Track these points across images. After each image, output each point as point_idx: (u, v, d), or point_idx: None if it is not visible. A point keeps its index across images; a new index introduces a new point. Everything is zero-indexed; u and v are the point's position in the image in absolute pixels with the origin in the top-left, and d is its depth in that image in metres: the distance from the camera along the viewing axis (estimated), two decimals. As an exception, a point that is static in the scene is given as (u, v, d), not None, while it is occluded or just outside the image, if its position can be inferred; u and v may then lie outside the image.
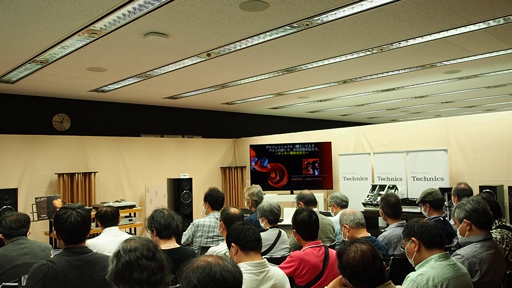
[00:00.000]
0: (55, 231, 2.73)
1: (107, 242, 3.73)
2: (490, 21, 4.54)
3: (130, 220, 7.52)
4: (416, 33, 4.88)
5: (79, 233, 2.64)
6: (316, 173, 8.36)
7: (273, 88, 8.26)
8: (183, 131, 10.61)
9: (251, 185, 6.38)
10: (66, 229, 2.62)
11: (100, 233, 4.04)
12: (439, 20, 4.45)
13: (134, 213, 7.80)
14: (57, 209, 6.71)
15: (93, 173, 8.07)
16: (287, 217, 6.14)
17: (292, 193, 8.26)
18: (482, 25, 4.66)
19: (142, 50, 5.19)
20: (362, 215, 3.62)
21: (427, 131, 7.04)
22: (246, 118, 12.09)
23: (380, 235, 3.86)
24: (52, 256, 2.98)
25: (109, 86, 7.37)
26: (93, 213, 6.13)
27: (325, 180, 8.26)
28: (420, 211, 4.48)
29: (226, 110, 11.24)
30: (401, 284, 2.41)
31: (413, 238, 2.58)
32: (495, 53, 5.96)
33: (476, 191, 5.40)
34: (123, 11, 3.90)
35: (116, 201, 7.76)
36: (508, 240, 3.21)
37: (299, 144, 8.55)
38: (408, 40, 5.18)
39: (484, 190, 5.55)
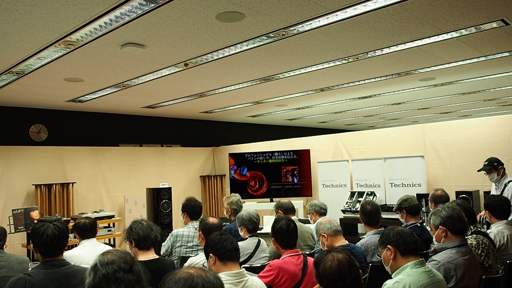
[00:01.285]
0: (32, 244, 2.70)
1: (84, 253, 3.69)
2: (462, 30, 4.66)
3: (109, 230, 7.42)
4: (390, 42, 4.97)
5: (56, 246, 2.62)
6: (295, 181, 8.40)
7: (252, 97, 8.29)
8: (162, 140, 10.54)
9: (230, 193, 6.38)
10: (43, 242, 2.59)
11: (77, 244, 3.99)
12: (412, 30, 4.55)
13: (113, 224, 7.71)
14: (35, 221, 6.61)
15: (71, 184, 7.95)
16: (267, 225, 6.14)
17: (271, 201, 8.27)
18: (454, 34, 4.78)
19: (119, 60, 5.16)
20: (337, 222, 3.65)
21: (404, 138, 7.15)
22: (225, 126, 12.09)
23: (358, 243, 3.89)
24: (29, 270, 2.94)
25: (86, 96, 7.29)
26: (71, 224, 6.03)
27: (304, 188, 8.31)
28: (398, 218, 4.54)
29: (205, 118, 11.22)
30: (379, 292, 2.44)
31: (389, 246, 2.61)
32: (468, 61, 6.10)
33: (452, 197, 5.51)
34: (100, 23, 3.87)
35: (95, 212, 7.66)
36: (483, 245, 3.27)
37: (278, 152, 8.58)
38: (383, 49, 5.27)
39: (460, 196, 5.66)
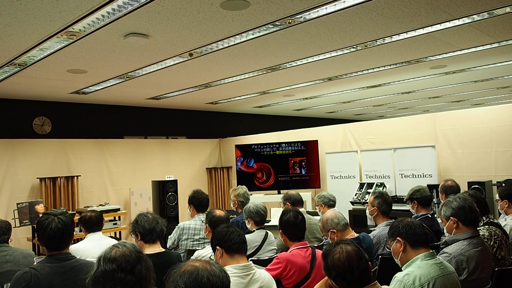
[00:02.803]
0: (37, 238, 2.73)
1: (90, 247, 3.72)
2: (474, 16, 4.60)
3: (114, 224, 7.48)
4: (400, 29, 4.92)
5: (61, 240, 2.64)
6: (303, 172, 8.39)
7: (258, 87, 8.27)
8: (167, 132, 10.56)
9: (237, 185, 6.39)
10: (47, 236, 2.62)
11: (83, 238, 4.02)
12: (422, 16, 4.50)
13: (119, 217, 7.76)
14: (40, 215, 6.68)
15: (75, 177, 8.00)
16: (274, 218, 6.16)
17: (279, 193, 8.28)
18: (466, 20, 4.72)
19: (123, 51, 5.16)
20: (343, 215, 3.62)
21: (414, 127, 7.11)
22: (231, 117, 12.08)
23: (370, 234, 3.89)
24: (35, 263, 2.97)
25: (90, 87, 7.31)
26: (76, 217, 6.08)
27: (312, 179, 8.30)
28: (408, 209, 4.53)
29: (210, 109, 11.22)
30: (388, 284, 2.44)
31: (398, 238, 2.61)
32: (481, 47, 6.03)
33: (464, 187, 5.47)
34: (102, 12, 3.87)
35: (100, 205, 7.71)
36: (496, 236, 3.25)
37: (285, 143, 8.57)
38: (393, 36, 5.23)
39: (472, 186, 5.62)
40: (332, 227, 3.51)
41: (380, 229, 3.86)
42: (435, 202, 5.54)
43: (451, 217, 2.98)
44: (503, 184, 4.58)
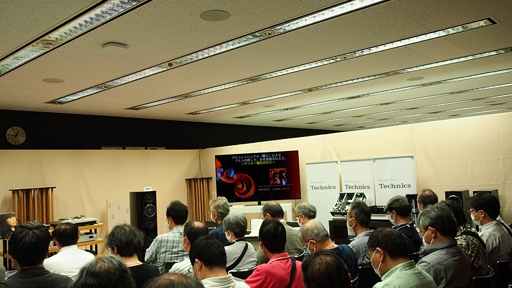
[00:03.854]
0: (8, 251, 2.67)
1: (64, 261, 3.65)
2: (449, 29, 4.72)
3: (90, 237, 7.34)
4: (378, 41, 5.02)
5: (33, 255, 2.58)
6: (284, 183, 8.41)
7: (238, 97, 8.29)
8: (146, 142, 10.48)
9: (217, 196, 6.36)
10: (19, 250, 2.56)
11: (57, 252, 3.94)
12: (399, 29, 4.59)
13: (95, 230, 7.63)
14: (12, 228, 6.52)
15: (50, 189, 7.85)
16: (254, 229, 6.14)
17: (259, 204, 8.25)
18: (441, 33, 4.84)
19: (101, 60, 5.12)
20: (323, 226, 3.62)
21: (393, 138, 7.21)
22: (211, 128, 12.07)
23: (349, 244, 3.90)
24: (6, 279, 2.89)
25: (66, 97, 7.21)
26: (50, 230, 5.96)
27: (293, 190, 8.32)
28: (388, 219, 4.57)
29: (190, 120, 11.18)
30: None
31: (377, 248, 2.63)
32: (456, 60, 6.18)
33: (442, 197, 5.56)
34: (80, 21, 3.84)
35: (76, 218, 7.57)
36: (473, 246, 3.30)
37: (265, 153, 8.59)
38: (371, 48, 5.32)
39: (450, 196, 5.71)
40: (311, 237, 3.49)
41: (359, 239, 3.89)
42: (414, 212, 5.61)
43: (429, 227, 3.02)
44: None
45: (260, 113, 10.71)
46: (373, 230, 3.86)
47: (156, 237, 4.34)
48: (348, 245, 3.84)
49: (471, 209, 4.07)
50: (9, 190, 7.45)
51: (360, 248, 3.79)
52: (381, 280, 2.57)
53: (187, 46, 4.77)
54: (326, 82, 7.34)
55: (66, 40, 4.31)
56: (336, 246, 3.58)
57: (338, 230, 6.47)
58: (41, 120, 8.59)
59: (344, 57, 5.66)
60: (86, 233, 7.38)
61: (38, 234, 2.61)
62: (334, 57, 5.64)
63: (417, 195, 5.18)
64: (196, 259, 2.66)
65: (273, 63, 5.79)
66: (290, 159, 8.40)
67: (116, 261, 2.00)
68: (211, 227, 5.01)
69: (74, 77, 5.87)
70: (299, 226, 5.19)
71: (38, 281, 2.51)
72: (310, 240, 3.50)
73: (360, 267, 3.59)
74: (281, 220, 4.49)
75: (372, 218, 4.26)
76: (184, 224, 4.32)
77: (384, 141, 7.30)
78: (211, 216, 5.27)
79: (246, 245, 3.97)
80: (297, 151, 8.35)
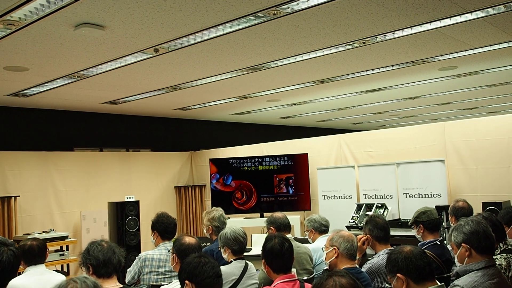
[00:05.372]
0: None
1: (29, 283, 3.67)
2: (488, 9, 4.71)
3: (61, 255, 7.37)
4: (404, 23, 5.01)
5: (10, 274, 2.61)
6: (291, 192, 8.41)
7: (237, 90, 8.31)
8: (127, 143, 10.49)
9: (212, 207, 6.36)
10: None
11: (22, 272, 3.95)
12: (430, 8, 4.59)
13: (67, 246, 7.64)
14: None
15: (13, 198, 7.88)
16: (256, 246, 6.14)
17: (262, 216, 8.27)
18: (480, 14, 4.83)
19: (73, 45, 5.13)
20: (357, 246, 3.64)
21: (421, 139, 7.20)
22: (205, 126, 12.07)
23: (367, 263, 3.91)
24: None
25: (32, 89, 7.23)
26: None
27: (301, 200, 8.32)
28: (414, 234, 4.57)
29: (180, 117, 11.19)
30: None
31: (398, 275, 2.63)
32: (497, 46, 6.17)
33: (478, 209, 5.55)
34: (48, -2, 3.86)
35: (44, 232, 7.59)
36: (514, 266, 3.31)
37: (269, 157, 8.59)
38: (395, 32, 5.31)
39: (487, 208, 5.71)
40: (337, 244, 3.54)
41: (379, 258, 3.88)
42: (445, 226, 5.61)
43: (462, 244, 3.02)
44: None
45: (263, 109, 10.71)
46: (394, 247, 3.87)
47: (139, 255, 4.34)
48: (366, 263, 3.84)
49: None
50: (-35, 199, 7.48)
51: (381, 268, 3.79)
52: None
53: (177, 29, 4.77)
54: (342, 73, 7.34)
55: (31, 20, 4.31)
56: (355, 265, 3.58)
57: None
58: (2, 116, 8.61)
59: (363, 43, 5.66)
60: (56, 251, 7.39)
61: (16, 252, 2.64)
62: (351, 43, 5.64)
63: (448, 206, 5.18)
64: (187, 281, 2.66)
65: (279, 50, 5.79)
66: (298, 164, 8.40)
67: (91, 282, 2.00)
68: (204, 244, 5.01)
69: (42, 64, 5.88)
70: (309, 243, 5.19)
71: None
72: (335, 247, 3.54)
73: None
74: (288, 236, 4.49)
75: (395, 233, 4.27)
76: (173, 240, 4.32)
77: (410, 142, 7.29)
78: (205, 231, 5.27)
79: (246, 264, 3.97)
80: (307, 154, 8.35)
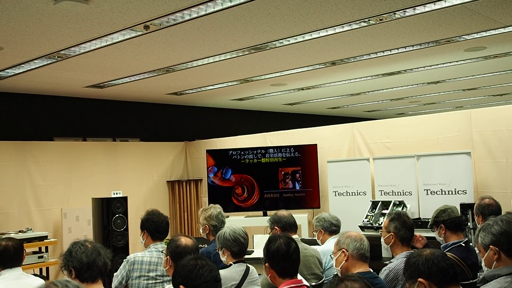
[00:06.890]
0: None
1: (4, 288, 3.69)
2: (522, -18, 4.71)
3: (40, 257, 7.39)
4: (426, -3, 5.01)
5: None
6: (298, 187, 8.41)
7: (238, 73, 8.30)
8: (114, 132, 10.50)
9: (209, 204, 6.38)
10: None
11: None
12: (455, -19, 4.58)
13: (46, 247, 7.67)
14: None
15: (-14, 193, 7.91)
16: (258, 248, 6.16)
17: (265, 214, 8.29)
18: (512, -13, 4.83)
19: (53, 20, 5.12)
20: (369, 246, 3.65)
21: (444, 129, 7.18)
22: (201, 113, 12.08)
23: (384, 268, 3.91)
24: None
25: (6, 71, 7.23)
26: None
27: (309, 196, 8.33)
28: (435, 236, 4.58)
29: (173, 102, 11.20)
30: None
31: (420, 280, 2.63)
32: (531, 24, 6.17)
33: (508, 207, 5.55)
34: (26, -32, 3.86)
35: (20, 231, 7.61)
36: (548, 271, 3.30)
37: (273, 148, 8.59)
38: (416, 7, 5.30)
39: (519, 206, 5.72)
40: (345, 246, 3.56)
41: (398, 261, 3.89)
42: (471, 226, 5.61)
43: (490, 246, 3.02)
44: None
45: (266, 94, 10.71)
46: (415, 249, 3.87)
47: (128, 257, 4.35)
48: (384, 268, 3.85)
49: None
50: None
51: (400, 273, 3.79)
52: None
53: (169, 3, 4.77)
54: (356, 54, 7.32)
55: (7, -7, 4.33)
56: (369, 269, 3.59)
57: (370, 249, 6.48)
58: (-26, 101, 8.63)
59: (380, 19, 5.64)
60: (34, 252, 7.42)
61: None
62: (366, 19, 5.63)
63: (474, 204, 5.18)
64: (181, 286, 2.67)
65: (285, 27, 5.78)
66: (306, 156, 8.40)
67: (74, 287, 2.01)
68: (201, 245, 5.03)
69: (17, 43, 5.89)
70: (317, 244, 5.20)
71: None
72: (343, 249, 3.56)
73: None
74: (294, 236, 4.50)
75: (416, 234, 4.26)
76: (165, 241, 4.33)
77: (432, 132, 7.28)
78: (201, 230, 5.29)
79: (247, 268, 3.98)
80: (316, 145, 8.34)
